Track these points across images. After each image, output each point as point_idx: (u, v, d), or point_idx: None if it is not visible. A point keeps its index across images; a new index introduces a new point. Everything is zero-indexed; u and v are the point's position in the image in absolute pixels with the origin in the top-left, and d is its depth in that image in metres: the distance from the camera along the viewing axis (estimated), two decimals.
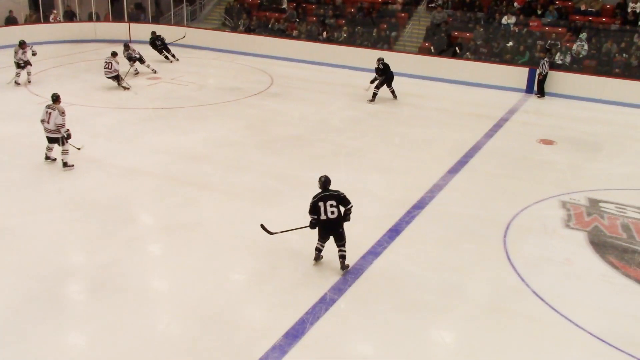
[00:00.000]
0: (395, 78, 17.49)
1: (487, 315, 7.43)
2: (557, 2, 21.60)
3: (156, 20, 26.81)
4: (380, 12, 23.76)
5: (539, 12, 21.51)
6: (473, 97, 18.27)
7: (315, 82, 19.36)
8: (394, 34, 22.70)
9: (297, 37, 23.67)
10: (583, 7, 21.39)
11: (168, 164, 11.83)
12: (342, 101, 17.15)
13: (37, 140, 12.81)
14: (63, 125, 11.06)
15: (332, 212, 7.95)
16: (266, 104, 16.52)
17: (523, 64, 19.62)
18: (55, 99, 11.22)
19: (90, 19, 25.66)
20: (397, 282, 8.02)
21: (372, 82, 17.00)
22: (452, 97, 18.29)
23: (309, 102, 17.00)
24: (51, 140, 11.30)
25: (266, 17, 25.07)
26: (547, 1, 21.74)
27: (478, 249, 8.96)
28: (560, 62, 19.33)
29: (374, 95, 16.91)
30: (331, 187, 8.20)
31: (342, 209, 8.02)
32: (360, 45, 22.32)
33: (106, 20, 26.07)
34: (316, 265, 8.27)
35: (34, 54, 17.65)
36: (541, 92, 18.36)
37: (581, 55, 19.44)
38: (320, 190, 8.15)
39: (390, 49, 22.05)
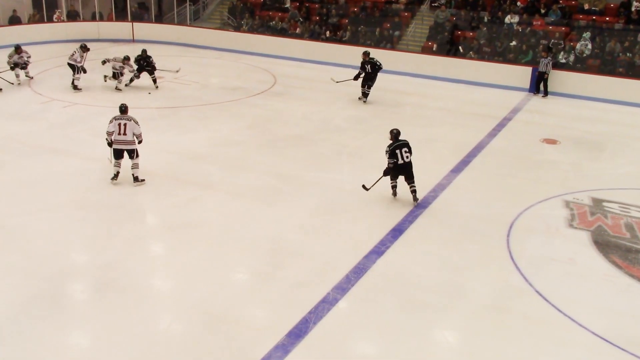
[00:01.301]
0: (398, 77, 17.51)
1: (490, 315, 7.41)
2: (560, 1, 21.54)
3: (159, 19, 26.85)
4: (383, 11, 23.72)
5: (543, 11, 21.46)
6: (476, 97, 18.24)
7: (318, 82, 19.34)
8: (397, 33, 22.68)
9: (300, 37, 23.67)
10: (586, 6, 21.33)
11: (171, 163, 11.83)
12: (344, 101, 17.13)
13: (40, 140, 12.86)
14: (141, 135, 10.57)
15: (407, 157, 9.91)
16: (269, 104, 16.51)
17: (526, 63, 19.60)
18: (124, 109, 10.63)
19: (93, 19, 25.70)
20: (400, 281, 8.01)
21: (355, 78, 16.81)
22: (455, 96, 18.26)
23: (312, 101, 16.99)
24: (121, 153, 10.54)
25: (269, 17, 25.06)
26: (550, 0, 21.69)
27: (481, 249, 8.94)
28: (563, 61, 19.29)
29: (365, 95, 16.78)
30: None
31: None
32: (364, 44, 22.28)
33: (109, 19, 26.09)
34: (395, 200, 10.15)
35: (28, 58, 17.37)
36: (545, 92, 18.33)
37: (585, 55, 19.39)
38: (392, 141, 10.09)
39: (393, 48, 22.04)
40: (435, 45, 21.56)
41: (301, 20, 24.30)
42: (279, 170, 11.62)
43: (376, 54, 20.85)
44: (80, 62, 16.88)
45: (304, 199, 10.45)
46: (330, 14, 24.11)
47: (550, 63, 18.18)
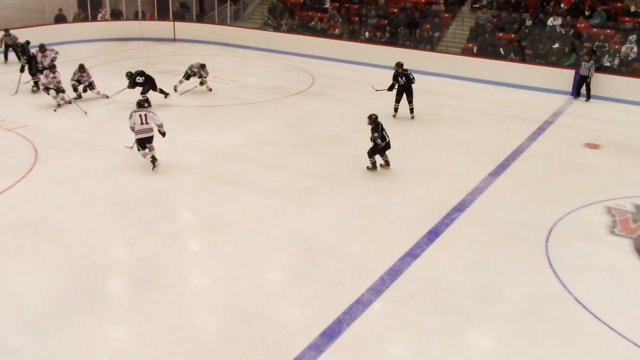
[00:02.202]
0: (437, 79, 17.38)
1: (527, 321, 7.30)
2: (607, 4, 21.10)
3: (200, 19, 27.17)
4: (423, 12, 23.58)
5: (587, 13, 21.04)
6: (517, 99, 17.98)
7: (356, 82, 19.32)
8: (436, 34, 22.50)
9: (339, 37, 23.67)
10: (633, 8, 20.85)
11: (208, 161, 11.96)
12: (382, 101, 17.04)
13: (84, 136, 13.13)
14: (162, 124, 11.55)
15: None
16: (307, 104, 16.56)
17: (569, 66, 19.24)
18: (142, 103, 11.76)
19: (136, 18, 26.13)
20: (435, 284, 7.95)
21: (389, 89, 15.41)
22: (495, 98, 18.03)
23: (350, 101, 16.98)
24: (145, 141, 11.31)
25: (309, 17, 25.13)
26: (595, 2, 21.25)
27: (518, 254, 8.81)
28: (608, 64, 18.88)
29: (395, 109, 15.48)
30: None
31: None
32: (402, 45, 22.19)
33: (151, 18, 26.50)
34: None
35: (54, 59, 16.74)
36: (588, 95, 17.97)
37: (630, 58, 18.95)
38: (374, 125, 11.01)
39: (432, 49, 21.88)
40: (475, 47, 21.32)
41: (340, 20, 24.30)
42: (315, 170, 11.64)
43: (415, 55, 20.86)
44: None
45: (339, 199, 10.45)
46: (369, 14, 24.06)
47: (593, 67, 17.81)
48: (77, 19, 25.56)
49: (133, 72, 15.66)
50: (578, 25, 20.55)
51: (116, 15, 25.98)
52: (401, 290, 7.78)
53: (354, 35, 23.43)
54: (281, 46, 23.71)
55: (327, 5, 25.70)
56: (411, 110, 15.34)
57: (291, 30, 24.84)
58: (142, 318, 7.10)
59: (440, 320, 7.22)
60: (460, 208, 10.18)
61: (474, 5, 23.21)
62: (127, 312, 7.24)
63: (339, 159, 12.32)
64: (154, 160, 11.30)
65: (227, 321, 7.10)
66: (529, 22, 21.46)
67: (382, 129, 11.23)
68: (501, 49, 20.70)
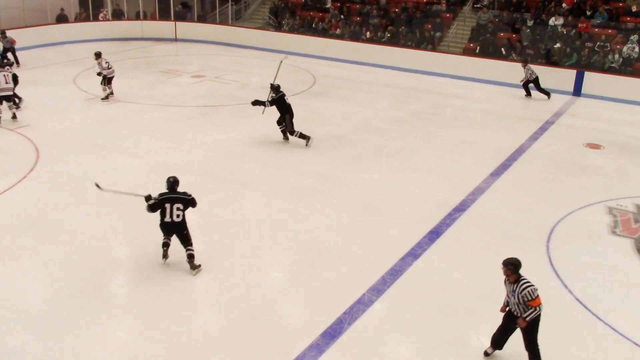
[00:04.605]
0: (439, 79, 17.36)
1: None
2: (608, 3, 21.08)
3: (202, 19, 27.17)
4: (424, 12, 23.59)
5: (588, 13, 21.03)
6: (518, 99, 17.97)
7: (358, 82, 19.33)
8: (438, 34, 22.50)
9: (341, 37, 23.67)
10: (634, 8, 20.83)
11: (210, 161, 11.98)
12: (384, 101, 17.09)
13: (85, 136, 13.14)
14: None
15: (178, 216, 7.83)
16: (309, 103, 16.56)
17: (570, 66, 19.24)
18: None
19: (137, 18, 26.14)
20: (436, 284, 7.95)
21: (291, 133, 12.99)
22: (497, 99, 18.03)
23: (352, 102, 16.98)
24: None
25: (310, 17, 25.13)
26: (596, 2, 21.24)
27: (520, 254, 8.65)
28: (612, 64, 18.87)
29: (303, 136, 12.97)
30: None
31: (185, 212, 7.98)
32: (404, 45, 22.19)
33: (153, 18, 26.50)
34: (166, 263, 8.14)
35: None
36: (528, 92, 18.00)
37: (632, 58, 18.94)
38: (167, 191, 7.93)
39: (434, 49, 21.88)
40: (478, 48, 21.29)
41: (342, 19, 24.29)
42: (317, 170, 11.65)
43: (417, 55, 20.89)
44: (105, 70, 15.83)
45: (341, 199, 10.46)
46: (371, 14, 24.06)
47: (529, 71, 17.66)
48: (79, 18, 25.57)
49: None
50: (579, 25, 20.54)
51: (117, 15, 25.99)
52: (402, 290, 7.79)
53: (355, 35, 23.42)
54: (283, 46, 23.67)
55: (329, 5, 25.71)
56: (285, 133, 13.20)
57: (292, 30, 24.84)
58: (144, 318, 7.12)
59: (441, 320, 7.23)
60: (461, 208, 10.18)
61: (475, 5, 23.22)
62: (129, 312, 7.26)
63: (342, 159, 12.33)
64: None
65: (229, 321, 7.11)
66: (530, 22, 21.46)
67: (172, 200, 7.87)
68: (502, 49, 20.70)
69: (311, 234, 9.17)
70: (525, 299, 6.20)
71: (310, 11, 25.70)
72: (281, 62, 14.05)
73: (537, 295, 6.21)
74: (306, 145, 12.89)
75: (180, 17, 26.59)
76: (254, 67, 21.40)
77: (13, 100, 13.80)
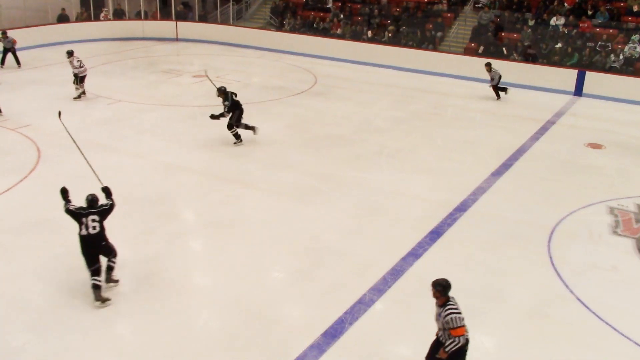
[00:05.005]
0: (440, 79, 17.35)
1: (529, 322, 7.29)
2: (610, 3, 21.06)
3: (203, 19, 27.17)
4: (425, 12, 23.59)
5: (590, 12, 21.01)
6: (519, 99, 17.95)
7: (359, 82, 19.32)
8: (439, 34, 22.50)
9: (342, 37, 23.67)
10: (635, 8, 20.81)
11: (211, 161, 11.98)
12: (385, 101, 17.08)
13: (86, 135, 13.13)
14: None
15: (94, 227, 7.45)
16: (309, 103, 16.56)
17: (572, 66, 19.22)
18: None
19: (138, 17, 26.15)
20: None
21: (229, 127, 12.86)
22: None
23: (352, 101, 16.98)
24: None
25: (312, 17, 25.13)
26: (597, 2, 21.21)
27: (521, 254, 8.80)
28: (614, 64, 18.85)
29: (237, 136, 12.97)
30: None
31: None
32: (405, 45, 22.18)
33: (154, 18, 26.51)
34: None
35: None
36: (498, 95, 17.85)
37: (633, 58, 18.92)
38: (85, 206, 7.63)
39: (435, 49, 21.87)
40: (481, 47, 21.27)
41: (343, 19, 24.28)
42: (318, 170, 11.65)
43: (418, 54, 20.89)
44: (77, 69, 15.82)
45: (342, 199, 10.45)
46: (372, 14, 24.05)
47: (496, 74, 17.57)
48: (80, 18, 25.58)
49: None
50: (581, 25, 20.52)
51: (119, 14, 26.00)
52: (403, 290, 7.78)
53: (356, 35, 23.42)
54: (284, 46, 23.73)
55: (330, 5, 25.71)
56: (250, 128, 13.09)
57: (294, 30, 24.85)
58: (146, 317, 7.12)
59: None
60: (462, 208, 10.17)
61: (476, 5, 23.21)
62: (131, 311, 7.25)
63: (343, 159, 12.32)
64: None
65: (230, 320, 7.10)
66: (531, 22, 21.45)
67: (89, 214, 7.59)
68: (504, 49, 20.69)
69: (312, 233, 9.17)
70: (447, 326, 5.60)
71: (312, 11, 25.70)
72: (206, 75, 14.07)
73: (462, 325, 5.58)
74: (234, 144, 12.77)
75: (182, 16, 26.60)
76: (255, 67, 21.40)
77: None
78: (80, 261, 8.12)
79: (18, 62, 19.14)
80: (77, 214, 7.49)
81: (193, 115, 15.03)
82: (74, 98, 15.83)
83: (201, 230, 9.43)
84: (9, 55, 19.19)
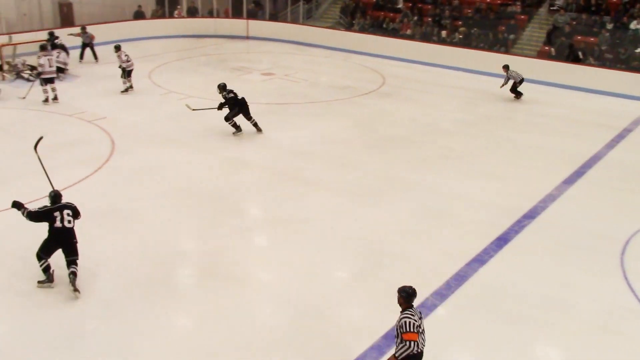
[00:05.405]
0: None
1: (597, 336, 7.03)
2: None
3: (274, 17, 27.45)
4: (498, 13, 23.08)
5: None
6: (594, 105, 17.35)
7: (428, 84, 19.10)
8: (512, 36, 21.97)
9: (411, 37, 23.45)
10: None
11: (277, 158, 12.08)
12: (454, 104, 16.81)
13: (158, 129, 13.49)
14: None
15: (69, 222, 7.44)
16: (376, 104, 16.48)
17: None
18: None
19: (210, 15, 26.66)
20: (502, 292, 7.76)
21: (226, 119, 13.22)
22: (572, 104, 17.44)
23: (420, 103, 16.80)
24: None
25: (382, 17, 25.01)
26: None
27: (591, 265, 8.49)
28: None
29: (235, 126, 13.31)
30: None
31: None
32: (476, 47, 21.77)
33: (226, 16, 26.97)
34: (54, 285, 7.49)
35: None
36: (517, 94, 17.25)
37: None
38: (50, 204, 7.52)
39: (507, 52, 21.37)
40: (553, 50, 20.67)
41: (413, 19, 24.05)
42: (383, 171, 11.58)
43: (489, 57, 20.46)
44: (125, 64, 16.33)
45: (407, 201, 10.35)
46: (443, 15, 23.74)
47: (511, 76, 16.98)
48: (155, 15, 26.30)
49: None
50: None
51: (192, 12, 26.58)
52: (466, 296, 7.65)
53: (426, 36, 23.16)
54: (352, 45, 23.68)
55: (400, 5, 25.51)
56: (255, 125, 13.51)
57: (363, 29, 24.78)
58: (207, 309, 7.24)
59: (505, 330, 7.05)
60: (531, 215, 9.91)
61: (551, 8, 22.55)
62: (193, 303, 7.40)
63: (408, 160, 12.21)
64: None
65: (290, 317, 7.15)
66: (609, 26, 20.67)
67: (61, 207, 7.52)
68: (579, 53, 20.01)
69: (374, 234, 9.12)
70: (400, 330, 5.43)
71: (382, 11, 25.57)
72: (188, 106, 13.87)
73: (415, 332, 5.40)
74: (233, 134, 13.24)
75: (253, 15, 26.95)
76: (323, 66, 21.46)
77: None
78: (147, 252, 8.39)
79: (95, 57, 19.83)
80: (47, 212, 7.39)
81: (261, 112, 15.19)
82: (121, 92, 16.32)
83: (264, 226, 9.52)
84: (87, 50, 19.91)
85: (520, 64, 19.95)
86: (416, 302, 7.31)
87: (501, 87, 17.13)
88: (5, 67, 17.63)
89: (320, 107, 15.99)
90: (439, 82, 19.27)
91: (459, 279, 7.97)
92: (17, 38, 19.18)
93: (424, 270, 8.18)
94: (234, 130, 13.25)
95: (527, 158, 12.65)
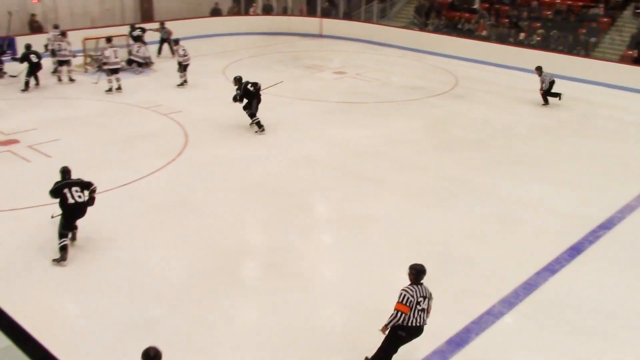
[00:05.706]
0: (591, 87, 16.31)
1: None
2: None
3: (347, 16, 27.48)
4: (579, 15, 22.32)
5: None
6: None
7: (502, 86, 18.67)
8: (593, 39, 21.21)
9: (487, 39, 22.98)
10: None
11: (345, 157, 12.09)
12: (529, 107, 16.38)
13: (229, 123, 13.73)
14: None
15: (80, 196, 7.95)
16: (448, 105, 16.25)
17: None
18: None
19: (285, 13, 26.94)
20: (573, 303, 7.51)
21: (245, 108, 13.30)
22: None
23: (494, 106, 16.45)
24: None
25: (457, 17, 24.62)
26: None
27: None
28: None
29: (259, 125, 13.27)
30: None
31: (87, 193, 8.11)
32: (555, 50, 21.12)
33: (300, 14, 27.19)
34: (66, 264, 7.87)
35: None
36: (546, 101, 16.38)
37: None
38: (61, 180, 8.05)
39: (587, 55, 20.65)
40: (637, 54, 19.82)
41: (490, 21, 23.58)
42: (453, 173, 11.40)
43: (568, 60, 19.82)
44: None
45: (476, 205, 10.16)
46: (521, 16, 23.16)
47: (546, 79, 16.17)
48: (231, 12, 26.81)
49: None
50: None
51: (267, 10, 26.94)
52: (535, 305, 7.44)
53: (502, 38, 22.64)
54: (426, 46, 23.40)
55: (477, 5, 25.05)
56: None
57: (437, 30, 24.47)
58: (270, 304, 7.33)
59: (572, 341, 6.83)
60: (607, 226, 9.54)
61: (636, 11, 21.62)
62: (257, 297, 7.51)
63: (479, 164, 11.97)
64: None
65: (353, 317, 7.14)
66: None
67: (69, 184, 7.96)
68: None
69: (442, 238, 8.99)
70: (397, 300, 5.77)
71: (457, 11, 25.17)
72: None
73: (407, 305, 5.71)
74: (255, 132, 13.21)
75: (326, 13, 27.07)
76: (395, 66, 21.31)
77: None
78: (216, 245, 8.56)
79: (173, 52, 20.32)
80: (57, 189, 7.93)
81: (332, 110, 15.25)
82: (177, 85, 16.83)
83: (331, 225, 9.55)
84: (165, 45, 20.48)
85: (602, 69, 19.29)
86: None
87: (541, 91, 16.47)
88: (88, 59, 18.36)
89: (390, 107, 15.89)
90: (514, 85, 18.81)
91: (528, 287, 7.76)
92: (99, 33, 19.94)
93: (492, 277, 8.01)
94: (256, 128, 13.26)
95: (604, 166, 12.19)
